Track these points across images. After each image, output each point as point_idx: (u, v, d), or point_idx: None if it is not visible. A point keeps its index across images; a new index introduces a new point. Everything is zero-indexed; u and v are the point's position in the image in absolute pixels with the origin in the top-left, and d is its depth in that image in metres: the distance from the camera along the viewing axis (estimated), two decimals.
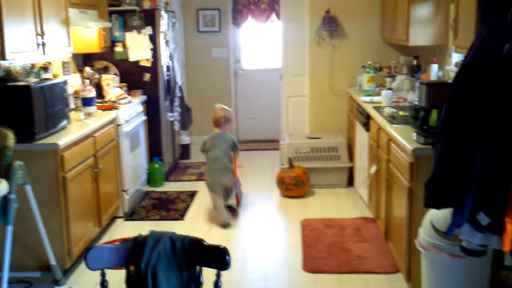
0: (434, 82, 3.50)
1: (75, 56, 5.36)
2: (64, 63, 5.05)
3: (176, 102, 6.28)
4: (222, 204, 4.68)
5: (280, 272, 3.73)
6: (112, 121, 4.60)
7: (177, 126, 6.34)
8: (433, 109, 2.88)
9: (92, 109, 4.29)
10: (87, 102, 4.27)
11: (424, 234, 2.60)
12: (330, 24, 5.58)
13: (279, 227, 4.64)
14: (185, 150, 6.91)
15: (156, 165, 5.69)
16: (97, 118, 4.33)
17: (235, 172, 4.85)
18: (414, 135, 3.11)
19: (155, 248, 1.97)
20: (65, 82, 3.96)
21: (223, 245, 1.90)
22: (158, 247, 1.97)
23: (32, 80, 3.62)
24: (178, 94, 6.31)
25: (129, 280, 1.97)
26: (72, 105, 4.71)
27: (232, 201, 4.80)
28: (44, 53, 3.86)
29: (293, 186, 5.16)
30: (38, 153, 3.51)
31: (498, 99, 1.87)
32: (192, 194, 5.44)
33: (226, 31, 7.55)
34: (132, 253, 1.98)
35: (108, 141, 4.47)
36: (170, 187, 5.74)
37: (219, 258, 1.88)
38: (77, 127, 3.99)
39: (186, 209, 5.03)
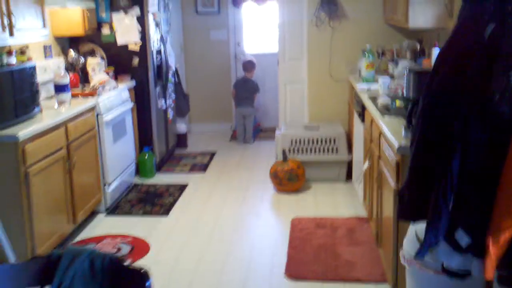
0: (423, 69, 3.11)
1: (60, 40, 5.09)
2: (45, 46, 4.79)
3: (170, 88, 5.98)
4: (243, 129, 6.81)
5: (259, 276, 3.42)
6: (91, 109, 4.32)
7: (170, 113, 6.04)
8: None
9: (65, 96, 4.01)
10: (60, 88, 4.00)
11: (408, 247, 2.26)
12: (329, 4, 5.18)
13: (267, 226, 4.33)
14: (181, 139, 6.61)
15: (146, 156, 5.41)
16: (73, 106, 4.06)
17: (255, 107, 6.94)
18: (403, 131, 2.75)
19: (70, 267, 1.67)
20: (33, 68, 3.67)
21: (144, 269, 1.59)
22: (74, 266, 1.67)
23: None
24: (171, 79, 6.01)
25: None
26: (52, 93, 4.43)
27: (248, 140, 6.81)
28: (11, 35, 3.58)
29: (287, 180, 4.83)
30: None
31: (478, 93, 1.52)
32: (182, 187, 5.15)
33: (226, 11, 7.18)
34: (44, 273, 1.69)
35: (86, 130, 4.20)
36: (161, 179, 5.45)
37: (137, 283, 1.58)
38: (47, 117, 3.71)
39: (172, 204, 4.74)
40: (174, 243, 3.96)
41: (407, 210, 1.86)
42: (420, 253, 1.74)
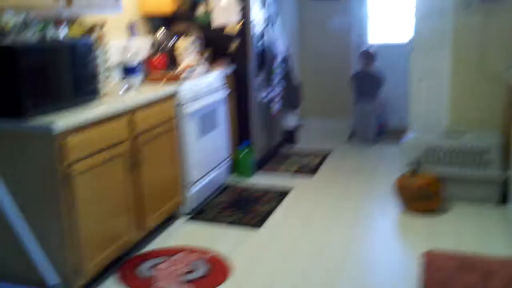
0: None
1: (151, 18, 4.43)
2: (131, 24, 4.11)
3: (275, 79, 5.04)
4: (363, 129, 5.74)
5: None
6: (170, 97, 3.51)
7: (276, 106, 5.10)
8: None
9: (135, 80, 3.24)
10: (129, 71, 3.24)
11: None
12: None
13: (387, 258, 3.18)
14: (289, 135, 5.66)
15: (243, 152, 4.55)
16: (144, 92, 3.28)
17: (378, 103, 5.79)
18: None
19: None
20: (87, 44, 2.87)
21: None
22: None
23: (28, 37, 2.61)
24: (277, 69, 5.06)
25: None
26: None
27: (369, 141, 5.70)
28: (67, 4, 2.87)
29: (418, 198, 3.65)
30: (30, 137, 2.52)
31: None
32: (284, 193, 4.19)
33: None
34: None
35: (160, 122, 3.40)
36: (260, 179, 4.56)
37: None
38: (103, 104, 2.91)
39: (269, 213, 3.82)
40: (263, 269, 3.04)
41: None
42: None
